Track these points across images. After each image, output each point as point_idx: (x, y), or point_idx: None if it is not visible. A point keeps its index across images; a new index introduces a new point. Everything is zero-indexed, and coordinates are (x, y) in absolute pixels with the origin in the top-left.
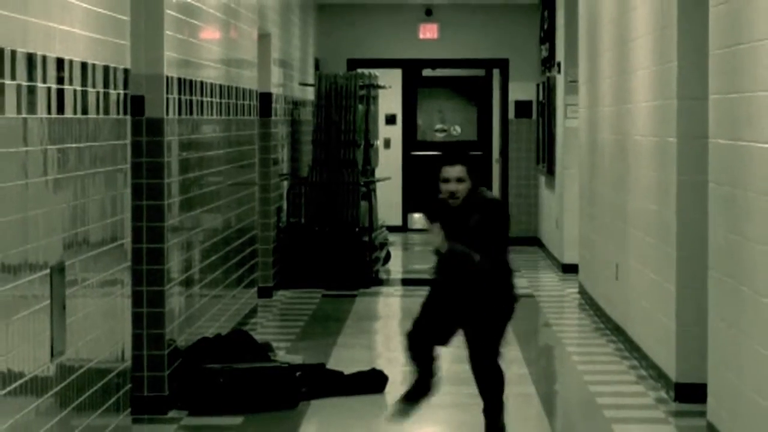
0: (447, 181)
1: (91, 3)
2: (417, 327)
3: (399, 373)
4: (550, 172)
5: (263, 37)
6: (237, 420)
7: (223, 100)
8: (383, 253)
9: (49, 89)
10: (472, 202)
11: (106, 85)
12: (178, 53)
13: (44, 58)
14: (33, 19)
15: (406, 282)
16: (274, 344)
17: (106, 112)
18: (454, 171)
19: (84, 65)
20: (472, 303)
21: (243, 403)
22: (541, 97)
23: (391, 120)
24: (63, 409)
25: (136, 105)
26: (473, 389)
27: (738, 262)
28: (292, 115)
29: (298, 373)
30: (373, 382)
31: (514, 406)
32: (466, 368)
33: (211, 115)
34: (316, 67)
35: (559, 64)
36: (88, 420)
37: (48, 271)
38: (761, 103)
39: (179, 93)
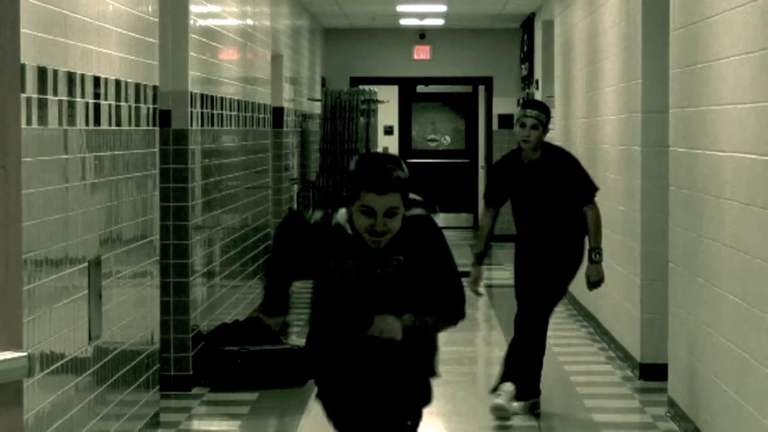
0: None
1: (124, 28)
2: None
3: None
4: None
5: (276, 58)
6: (253, 396)
7: (240, 114)
8: None
9: (87, 104)
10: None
11: (137, 100)
12: (201, 72)
13: (82, 77)
14: (72, 41)
15: None
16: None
17: (137, 124)
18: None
19: (118, 82)
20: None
21: (258, 381)
22: None
23: (388, 131)
24: (99, 386)
25: (163, 118)
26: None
27: (695, 257)
28: (301, 127)
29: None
30: None
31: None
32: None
33: (230, 126)
34: (323, 84)
35: (537, 81)
36: (121, 396)
37: (86, 264)
38: (715, 116)
39: (202, 107)
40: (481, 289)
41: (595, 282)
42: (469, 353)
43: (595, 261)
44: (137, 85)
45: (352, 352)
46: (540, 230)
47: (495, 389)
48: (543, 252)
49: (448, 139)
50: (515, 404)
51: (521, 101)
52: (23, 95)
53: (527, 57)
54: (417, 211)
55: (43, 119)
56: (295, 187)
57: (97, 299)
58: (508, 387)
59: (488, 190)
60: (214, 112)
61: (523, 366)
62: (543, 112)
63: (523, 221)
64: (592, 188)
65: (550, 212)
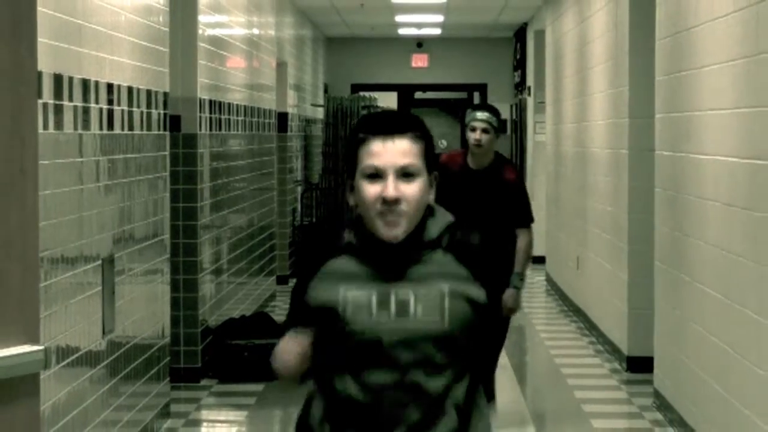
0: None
1: (136, 36)
2: None
3: None
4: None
5: (281, 66)
6: (258, 387)
7: (246, 119)
8: None
9: (100, 109)
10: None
11: (148, 105)
12: (209, 79)
13: (96, 83)
14: (87, 50)
15: None
16: None
17: (149, 128)
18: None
19: (130, 89)
20: None
21: (263, 373)
22: (514, 116)
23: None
24: (112, 378)
25: (173, 122)
26: None
27: (679, 255)
28: (305, 131)
29: None
30: None
31: None
32: None
33: (237, 131)
34: (325, 90)
35: (529, 88)
36: (133, 387)
37: (100, 262)
38: (698, 121)
39: (210, 112)
40: None
41: (510, 309)
42: None
43: (516, 287)
44: (149, 92)
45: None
46: None
47: None
48: None
49: (444, 142)
50: None
51: (472, 108)
52: (40, 101)
53: (520, 65)
54: (446, 218)
55: (59, 124)
56: (299, 188)
57: (110, 295)
58: None
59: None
60: (222, 117)
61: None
62: (494, 114)
63: None
64: (529, 216)
65: (486, 224)
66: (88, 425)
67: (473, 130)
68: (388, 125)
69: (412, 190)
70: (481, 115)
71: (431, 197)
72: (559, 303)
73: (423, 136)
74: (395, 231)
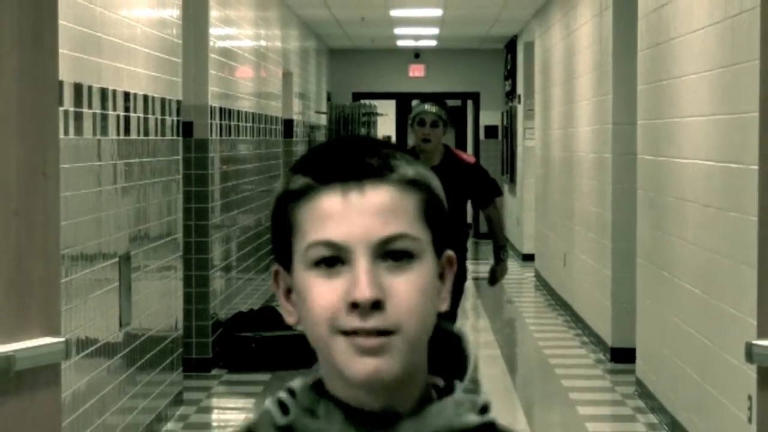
0: (423, 123)
1: (151, 48)
2: None
3: None
4: (512, 181)
5: (286, 75)
6: (265, 376)
7: (254, 125)
8: None
9: (118, 116)
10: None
11: (163, 113)
12: (220, 88)
13: (114, 92)
14: (105, 61)
15: None
16: None
17: (163, 134)
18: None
19: (146, 97)
20: None
21: (270, 363)
22: (505, 122)
23: (387, 140)
24: (129, 368)
25: (186, 129)
26: None
27: (660, 252)
28: (309, 137)
29: None
30: None
31: (484, 366)
32: None
33: (245, 136)
34: (328, 98)
35: (519, 96)
36: (148, 377)
37: (117, 259)
38: (677, 127)
39: (220, 119)
40: None
41: (499, 279)
42: None
43: (503, 259)
44: (163, 100)
45: None
46: None
47: None
48: None
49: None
50: None
51: (419, 101)
52: (61, 108)
53: (510, 74)
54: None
55: (79, 130)
56: None
57: (126, 290)
58: None
59: None
60: (231, 123)
61: None
62: (444, 107)
63: None
64: (496, 190)
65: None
66: (106, 412)
67: (421, 123)
68: (352, 161)
69: (406, 284)
70: (429, 107)
71: (444, 304)
72: (548, 298)
73: (421, 182)
74: (381, 365)
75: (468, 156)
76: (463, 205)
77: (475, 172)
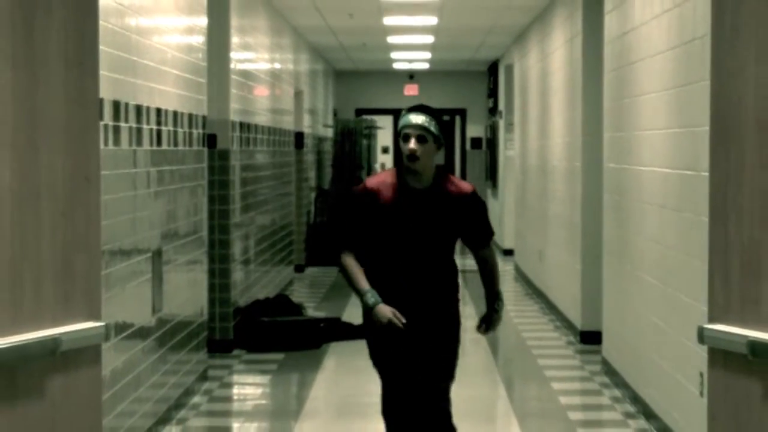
0: (408, 138)
1: (180, 70)
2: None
3: None
4: (495, 186)
5: (298, 93)
6: (280, 356)
7: (270, 137)
8: None
9: (151, 129)
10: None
11: (190, 126)
12: (240, 104)
13: (148, 108)
14: (140, 81)
15: None
16: (305, 304)
17: (190, 145)
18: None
19: (175, 113)
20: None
21: (284, 345)
22: (488, 135)
23: (385, 150)
24: (160, 349)
25: (210, 140)
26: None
27: (623, 249)
28: (318, 147)
29: (321, 324)
30: None
31: (469, 348)
32: None
33: (262, 147)
34: (334, 114)
35: (500, 112)
36: (177, 356)
37: (150, 254)
38: (638, 140)
39: (240, 132)
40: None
41: (492, 330)
42: None
43: (497, 310)
44: (190, 115)
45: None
46: (415, 281)
47: None
48: (422, 312)
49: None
50: None
51: (406, 110)
52: (101, 123)
53: (492, 93)
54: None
55: (117, 141)
56: (313, 194)
57: (158, 281)
58: None
59: (348, 224)
60: (250, 136)
61: None
62: (434, 117)
63: (390, 267)
64: (491, 231)
65: (429, 258)
66: (140, 387)
67: (406, 139)
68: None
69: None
70: (415, 118)
71: None
72: (525, 288)
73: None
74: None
75: (465, 183)
76: (452, 244)
77: (472, 203)
